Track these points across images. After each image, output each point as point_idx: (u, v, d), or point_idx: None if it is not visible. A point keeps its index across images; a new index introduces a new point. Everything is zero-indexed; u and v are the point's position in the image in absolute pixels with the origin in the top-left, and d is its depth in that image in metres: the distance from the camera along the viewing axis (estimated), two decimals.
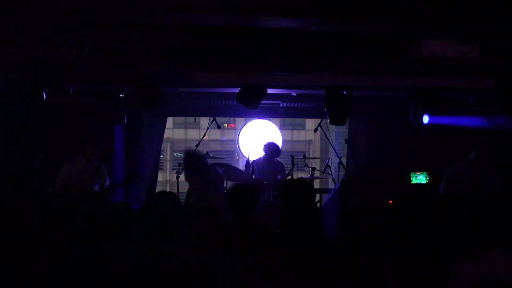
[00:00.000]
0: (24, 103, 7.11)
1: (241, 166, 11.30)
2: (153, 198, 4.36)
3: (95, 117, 9.67)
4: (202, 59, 6.18)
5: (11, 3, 3.78)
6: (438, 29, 4.40)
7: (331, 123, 8.09)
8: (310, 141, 13.91)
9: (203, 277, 3.72)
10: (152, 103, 7.14)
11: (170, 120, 10.94)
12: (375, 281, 4.06)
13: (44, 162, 8.93)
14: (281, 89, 8.77)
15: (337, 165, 10.49)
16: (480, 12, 4.12)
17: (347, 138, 10.87)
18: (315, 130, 10.64)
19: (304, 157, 10.12)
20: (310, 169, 9.86)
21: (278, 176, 9.36)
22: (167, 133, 11.42)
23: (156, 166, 10.61)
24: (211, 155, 9.48)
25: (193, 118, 11.49)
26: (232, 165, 10.49)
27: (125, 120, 9.36)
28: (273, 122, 11.44)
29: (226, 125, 11.78)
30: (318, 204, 9.61)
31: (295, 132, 13.45)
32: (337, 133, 11.72)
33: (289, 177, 9.47)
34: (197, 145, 9.55)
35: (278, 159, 9.88)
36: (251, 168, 9.28)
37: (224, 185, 8.89)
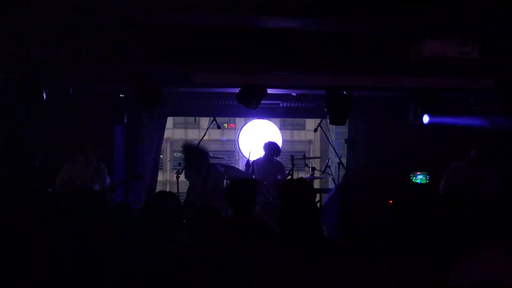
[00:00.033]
0: (24, 103, 7.10)
1: (241, 166, 11.30)
2: (153, 198, 4.36)
3: (95, 117, 9.67)
4: (202, 59, 6.18)
5: (11, 3, 3.78)
6: (438, 29, 4.40)
7: (331, 123, 8.09)
8: (310, 141, 13.91)
9: (203, 277, 3.72)
10: (152, 103, 7.14)
11: (170, 120, 10.94)
12: (375, 281, 4.06)
13: (44, 162, 8.93)
14: (281, 89, 8.77)
15: (337, 165, 10.50)
16: (480, 12, 4.11)
17: (347, 138, 10.87)
18: (315, 130, 10.64)
19: (304, 157, 10.12)
20: (310, 169, 9.86)
21: (278, 176, 9.36)
22: (167, 133, 11.42)
23: (156, 166, 10.61)
24: (211, 155, 9.48)
25: (193, 118, 11.49)
26: (232, 165, 10.50)
27: (125, 120, 9.36)
28: (273, 122, 11.44)
29: (226, 125, 11.78)
30: (318, 204, 9.60)
31: (295, 132, 13.45)
32: (337, 133, 11.71)
33: (289, 177, 9.48)
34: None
35: (278, 159, 9.88)
36: (251, 168, 9.28)
37: (224, 185, 8.88)
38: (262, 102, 7.91)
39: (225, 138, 14.14)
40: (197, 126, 12.64)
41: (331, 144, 10.87)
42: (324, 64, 6.32)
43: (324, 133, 10.57)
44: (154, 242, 4.11)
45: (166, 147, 11.78)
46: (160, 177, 11.07)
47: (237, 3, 3.90)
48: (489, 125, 10.15)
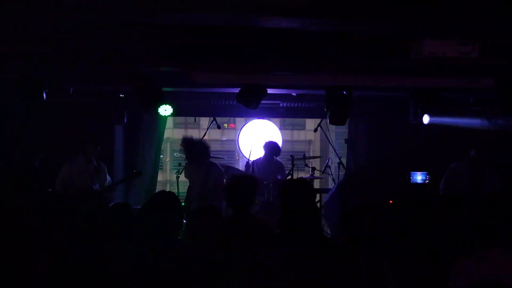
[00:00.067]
0: (24, 103, 7.10)
1: (241, 166, 11.30)
2: (153, 198, 4.35)
3: (95, 117, 9.68)
4: (202, 59, 6.18)
5: (11, 3, 3.78)
6: (438, 29, 4.40)
7: (331, 123, 8.09)
8: (310, 141, 13.90)
9: (203, 277, 3.72)
10: (152, 103, 7.13)
11: (170, 120, 10.93)
12: (375, 281, 4.06)
13: (44, 162, 8.93)
14: (281, 89, 8.77)
15: (337, 165, 10.49)
16: (480, 12, 4.11)
17: (347, 138, 10.87)
18: (315, 130, 10.63)
19: (304, 156, 10.12)
20: (310, 169, 9.86)
21: (278, 176, 9.36)
22: (167, 133, 11.41)
23: (156, 166, 10.61)
24: (211, 155, 9.48)
25: (193, 118, 11.49)
26: (232, 165, 10.49)
27: (125, 120, 9.36)
28: (273, 122, 11.44)
29: (226, 125, 11.77)
30: (318, 204, 9.60)
31: (295, 132, 13.44)
32: (337, 133, 11.71)
33: (289, 177, 9.47)
34: None
35: (277, 159, 9.88)
36: (251, 168, 9.28)
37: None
38: (262, 102, 7.91)
39: (224, 138, 14.14)
40: (197, 126, 12.64)
41: (331, 144, 10.86)
42: (324, 64, 6.32)
43: (324, 133, 10.56)
44: (154, 242, 4.11)
45: (166, 147, 11.77)
46: (160, 177, 11.07)
47: (237, 3, 3.90)
48: (489, 125, 10.15)
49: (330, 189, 9.62)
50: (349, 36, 5.32)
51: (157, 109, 8.66)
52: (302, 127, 13.19)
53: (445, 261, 4.38)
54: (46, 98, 7.12)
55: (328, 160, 10.52)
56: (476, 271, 3.97)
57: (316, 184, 10.46)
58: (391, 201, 7.35)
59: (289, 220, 3.97)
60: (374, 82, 7.43)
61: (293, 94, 9.67)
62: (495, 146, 9.31)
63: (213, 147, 9.50)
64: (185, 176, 9.06)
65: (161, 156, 10.97)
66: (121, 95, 9.03)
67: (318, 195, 10.18)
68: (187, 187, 9.21)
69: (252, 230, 4.69)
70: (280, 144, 10.22)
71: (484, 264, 4.05)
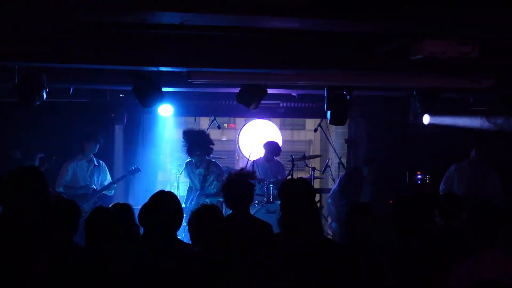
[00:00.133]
0: (24, 103, 7.10)
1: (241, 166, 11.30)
2: (153, 198, 4.35)
3: (95, 117, 9.68)
4: (202, 59, 6.18)
5: (11, 3, 3.78)
6: (438, 29, 4.40)
7: (331, 123, 8.08)
8: (310, 141, 13.91)
9: (203, 277, 3.71)
10: (152, 103, 7.13)
11: (170, 120, 10.93)
12: (375, 281, 4.06)
13: (44, 162, 8.93)
14: (281, 89, 8.77)
15: (337, 165, 10.50)
16: (481, 12, 4.11)
17: (347, 138, 10.88)
18: (315, 130, 10.64)
19: (304, 156, 10.13)
20: (310, 169, 9.87)
21: (278, 176, 9.37)
22: (167, 133, 11.41)
23: (156, 166, 10.61)
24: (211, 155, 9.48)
25: (193, 118, 11.49)
26: (231, 166, 10.50)
27: (125, 120, 9.36)
28: (273, 122, 11.44)
29: (226, 125, 11.77)
30: (318, 204, 9.61)
31: (295, 132, 13.45)
32: (337, 133, 11.71)
33: (289, 177, 9.48)
34: None
35: (278, 159, 9.89)
36: (251, 169, 9.28)
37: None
38: (262, 102, 7.91)
39: (224, 138, 14.14)
40: (197, 126, 12.61)
41: (331, 144, 10.87)
42: (324, 64, 6.32)
43: (324, 133, 10.57)
44: (154, 242, 4.11)
45: (166, 147, 11.77)
46: (160, 177, 11.07)
47: (237, 3, 3.89)
48: (489, 125, 10.15)
49: (330, 189, 9.63)
50: (349, 35, 5.32)
51: (157, 109, 8.65)
52: (302, 127, 13.21)
53: (445, 261, 4.38)
54: (46, 98, 7.12)
55: (328, 160, 10.53)
56: (476, 271, 3.97)
57: (316, 184, 10.46)
58: (391, 201, 7.35)
59: (289, 220, 3.97)
60: (374, 82, 7.43)
61: (293, 94, 9.67)
62: (495, 146, 9.30)
63: (213, 147, 9.50)
64: (185, 175, 9.05)
65: (161, 156, 10.96)
66: (121, 95, 9.03)
67: (318, 195, 10.19)
68: (187, 187, 9.23)
69: (252, 230, 4.69)
70: (280, 144, 10.23)
71: (484, 264, 4.05)
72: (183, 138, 8.65)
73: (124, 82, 7.32)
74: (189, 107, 10.23)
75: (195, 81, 6.96)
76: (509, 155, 9.63)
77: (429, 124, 9.77)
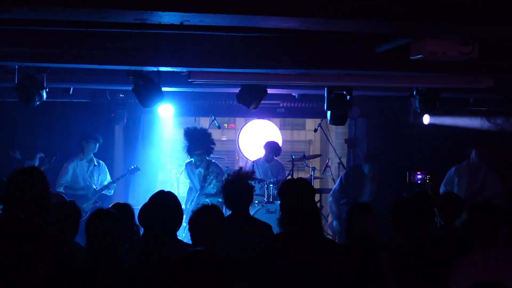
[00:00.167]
0: (24, 103, 7.10)
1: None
2: (153, 198, 4.35)
3: (95, 117, 9.68)
4: (202, 59, 6.18)
5: (11, 3, 3.77)
6: (438, 29, 4.40)
7: (331, 123, 8.08)
8: (310, 141, 13.91)
9: (203, 277, 3.71)
10: (152, 103, 7.13)
11: (170, 120, 10.93)
12: (375, 281, 4.06)
13: (44, 162, 8.94)
14: (281, 89, 8.76)
15: (337, 165, 10.49)
16: (481, 11, 4.11)
17: (347, 138, 10.87)
18: (315, 130, 10.64)
19: (304, 157, 10.13)
20: (310, 169, 9.87)
21: (278, 177, 9.37)
22: (167, 133, 11.41)
23: (156, 166, 10.61)
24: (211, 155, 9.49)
25: (193, 118, 11.49)
26: (231, 166, 10.50)
27: (125, 120, 9.36)
28: (273, 122, 11.44)
29: (226, 125, 11.76)
30: (318, 204, 9.60)
31: (295, 132, 13.44)
32: (337, 133, 11.72)
33: (289, 177, 9.48)
34: None
35: (277, 159, 9.89)
36: (251, 169, 9.28)
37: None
38: (262, 102, 7.90)
39: (224, 138, 14.13)
40: (197, 126, 12.62)
41: (331, 144, 10.87)
42: (324, 64, 6.32)
43: (324, 133, 10.57)
44: (154, 242, 4.11)
45: (166, 147, 11.77)
46: (160, 177, 11.07)
47: (237, 3, 3.90)
48: (489, 125, 10.15)
49: (330, 189, 9.63)
50: (349, 35, 5.31)
51: (157, 109, 8.65)
52: (302, 127, 13.20)
53: (445, 261, 4.38)
54: (46, 98, 7.12)
55: (328, 160, 10.53)
56: (476, 271, 3.97)
57: (316, 184, 10.47)
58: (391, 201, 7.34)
59: (289, 220, 3.97)
60: (374, 82, 7.43)
61: (293, 94, 9.66)
62: (495, 146, 9.30)
63: (214, 147, 9.50)
64: (185, 177, 9.07)
65: (161, 156, 10.96)
66: (121, 95, 9.02)
67: (318, 195, 10.18)
68: (186, 188, 9.23)
69: (252, 230, 4.69)
70: (280, 144, 10.23)
71: (484, 264, 4.05)
72: (185, 136, 8.66)
73: (124, 82, 7.32)
74: (189, 107, 10.22)
75: (195, 81, 6.96)
76: (509, 155, 9.63)
77: (429, 124, 9.77)
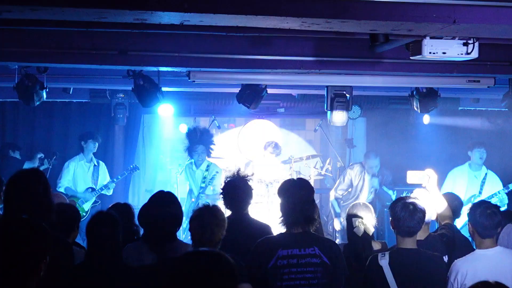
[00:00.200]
0: (24, 103, 7.10)
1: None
2: (153, 198, 4.35)
3: (95, 117, 9.68)
4: (202, 58, 6.18)
5: (10, 3, 3.77)
6: (438, 29, 4.39)
7: (331, 123, 8.08)
8: (310, 141, 13.88)
9: (203, 277, 3.71)
10: (152, 103, 7.13)
11: (170, 120, 10.92)
12: (375, 281, 4.06)
13: (44, 162, 8.94)
14: (281, 89, 8.76)
15: (337, 165, 10.49)
16: (479, 11, 4.11)
17: (347, 138, 10.87)
18: (315, 130, 10.63)
19: (304, 157, 10.13)
20: (310, 169, 9.86)
21: (279, 176, 9.37)
22: (167, 133, 11.41)
23: (156, 166, 10.61)
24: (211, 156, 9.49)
25: (193, 118, 11.49)
26: (231, 166, 10.49)
27: (125, 120, 9.37)
28: (273, 122, 11.42)
29: (226, 125, 11.74)
30: (318, 204, 9.59)
31: (295, 132, 13.41)
32: (337, 133, 11.70)
33: (289, 177, 9.47)
34: None
35: (278, 159, 9.88)
36: (251, 169, 9.29)
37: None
38: (262, 102, 7.90)
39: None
40: (197, 126, 12.62)
41: (331, 144, 10.86)
42: (324, 64, 6.32)
43: (324, 133, 10.57)
44: (154, 243, 4.11)
45: (166, 147, 11.77)
46: (160, 177, 11.07)
47: (237, 3, 3.89)
48: (489, 125, 10.15)
49: (330, 189, 9.63)
50: (349, 35, 5.31)
51: (157, 109, 8.65)
52: (302, 127, 13.17)
53: (445, 261, 4.38)
54: (46, 98, 7.12)
55: (328, 160, 10.52)
56: (475, 271, 3.98)
57: (316, 184, 10.46)
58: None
59: (289, 219, 3.97)
60: (374, 82, 7.43)
61: (293, 94, 9.66)
62: (495, 146, 9.31)
63: (214, 147, 9.51)
64: (185, 178, 9.09)
65: (161, 156, 10.96)
66: (121, 95, 9.02)
67: (318, 195, 10.17)
68: (186, 188, 9.23)
69: (252, 230, 4.68)
70: (280, 144, 10.22)
71: (483, 264, 4.06)
72: (186, 136, 8.70)
73: (124, 82, 7.32)
74: (189, 107, 10.23)
75: (195, 81, 6.96)
76: (509, 155, 9.63)
77: (429, 124, 9.77)
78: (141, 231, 4.50)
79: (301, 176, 8.90)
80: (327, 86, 7.56)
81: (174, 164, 10.20)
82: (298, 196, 3.96)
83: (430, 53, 4.74)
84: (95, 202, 8.76)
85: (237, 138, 11.46)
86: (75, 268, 3.73)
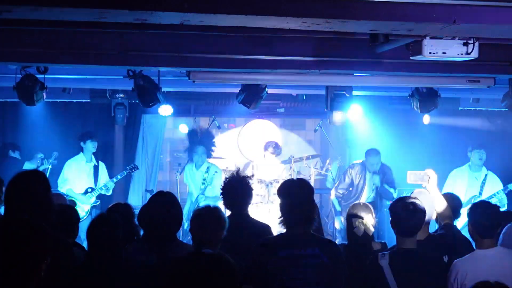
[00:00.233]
0: (24, 103, 7.10)
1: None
2: (153, 198, 4.35)
3: (95, 117, 9.68)
4: (202, 58, 6.17)
5: (10, 3, 3.78)
6: (438, 29, 4.39)
7: (331, 123, 8.08)
8: (310, 141, 13.88)
9: (203, 277, 3.71)
10: (152, 103, 7.13)
11: (170, 120, 10.92)
12: (375, 281, 4.06)
13: (43, 162, 8.93)
14: (281, 89, 8.76)
15: (337, 165, 10.48)
16: (479, 11, 4.11)
17: (347, 138, 10.87)
18: (315, 130, 10.63)
19: (304, 157, 10.13)
20: (310, 169, 9.86)
21: (279, 176, 9.38)
22: (167, 133, 11.41)
23: (156, 166, 10.61)
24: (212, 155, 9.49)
25: (193, 118, 11.49)
26: (231, 166, 10.50)
27: (125, 120, 9.36)
28: (273, 122, 11.42)
29: (226, 125, 11.75)
30: (318, 204, 9.59)
31: (295, 132, 13.41)
32: (337, 133, 11.70)
33: (289, 177, 9.47)
34: None
35: (278, 159, 9.88)
36: (251, 169, 9.30)
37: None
38: (262, 102, 7.90)
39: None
40: (197, 126, 12.62)
41: (331, 144, 10.86)
42: (324, 64, 6.32)
43: (324, 133, 10.56)
44: (154, 243, 4.10)
45: (166, 147, 11.76)
46: (160, 177, 11.07)
47: (237, 3, 3.90)
48: (489, 125, 10.15)
49: (330, 189, 9.63)
50: (349, 35, 5.31)
51: (157, 109, 8.66)
52: (302, 127, 13.17)
53: (445, 261, 4.38)
54: (46, 98, 7.12)
55: (328, 160, 10.52)
56: (475, 271, 3.97)
57: (316, 184, 10.46)
58: (390, 201, 7.34)
59: (289, 220, 3.97)
60: (374, 82, 7.43)
61: (293, 94, 9.66)
62: (495, 146, 9.30)
63: (215, 149, 9.53)
64: (185, 180, 9.10)
65: (161, 156, 10.96)
66: (121, 95, 9.02)
67: (318, 195, 10.17)
68: (187, 189, 9.24)
69: (250, 230, 4.68)
70: (280, 144, 10.22)
71: (484, 264, 4.05)
72: (187, 136, 8.71)
73: (124, 82, 7.32)
74: (189, 107, 10.22)
75: (195, 81, 6.96)
76: (509, 155, 9.63)
77: (429, 124, 9.77)
78: (141, 231, 4.49)
79: (301, 176, 8.92)
80: (327, 86, 7.56)
81: (174, 164, 10.21)
82: (298, 196, 3.96)
83: (430, 53, 4.75)
84: (95, 202, 8.76)
85: (237, 138, 11.45)
86: (75, 269, 3.73)
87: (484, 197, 8.20)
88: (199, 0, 3.86)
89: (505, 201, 8.35)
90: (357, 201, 6.51)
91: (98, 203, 8.76)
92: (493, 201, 7.86)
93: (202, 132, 8.79)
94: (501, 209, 5.11)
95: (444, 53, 4.73)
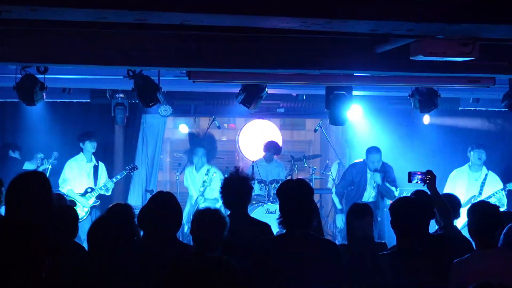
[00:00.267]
0: (24, 103, 7.10)
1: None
2: (153, 198, 4.35)
3: (95, 117, 9.68)
4: (202, 58, 6.17)
5: (10, 3, 3.78)
6: (438, 29, 4.39)
7: (331, 123, 8.09)
8: (310, 141, 13.89)
9: (203, 277, 3.71)
10: (152, 103, 7.13)
11: (170, 120, 10.92)
12: (375, 281, 4.07)
13: (43, 162, 8.94)
14: (281, 89, 8.76)
15: (337, 165, 10.49)
16: (480, 11, 4.11)
17: (347, 138, 10.87)
18: (315, 130, 10.63)
19: (304, 157, 10.13)
20: (310, 169, 9.86)
21: (278, 176, 9.38)
22: (167, 133, 11.40)
23: (156, 166, 10.61)
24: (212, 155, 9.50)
25: (193, 118, 11.50)
26: (231, 166, 10.51)
27: (125, 120, 9.37)
28: (273, 122, 11.43)
29: (226, 125, 11.75)
30: (318, 204, 9.60)
31: (295, 132, 13.41)
32: (337, 133, 11.71)
33: (289, 177, 9.48)
34: None
35: (277, 159, 9.89)
36: (251, 169, 9.30)
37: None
38: (262, 102, 7.90)
39: (224, 138, 14.14)
40: (197, 126, 12.63)
41: (331, 144, 10.86)
42: (324, 64, 6.32)
43: (324, 133, 10.56)
44: (154, 243, 4.11)
45: (166, 147, 11.76)
46: (160, 177, 11.07)
47: (237, 3, 3.89)
48: (489, 125, 10.15)
49: (330, 189, 9.64)
50: (349, 35, 5.31)
51: (157, 109, 8.66)
52: (302, 127, 13.18)
53: (445, 262, 4.38)
54: (46, 98, 7.12)
55: (328, 160, 10.53)
56: (475, 271, 3.98)
57: (316, 184, 10.47)
58: (391, 201, 7.34)
59: (288, 220, 3.97)
60: (374, 82, 7.42)
61: (293, 94, 9.66)
62: (495, 146, 9.31)
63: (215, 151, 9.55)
64: (185, 183, 9.12)
65: (161, 156, 10.95)
66: (121, 95, 9.03)
67: (318, 195, 10.18)
68: (187, 189, 9.24)
69: (250, 230, 4.69)
70: (280, 144, 10.23)
71: (484, 264, 4.06)
72: (189, 139, 8.74)
73: (124, 82, 7.32)
74: (189, 107, 10.22)
75: (195, 81, 6.96)
76: (509, 155, 9.63)
77: (429, 124, 9.77)
78: (141, 232, 4.49)
79: (301, 176, 8.93)
80: (327, 86, 7.56)
81: (174, 164, 10.21)
82: (297, 197, 3.96)
83: (430, 53, 4.75)
84: (94, 202, 8.76)
85: (237, 138, 11.46)
86: (75, 269, 3.73)
87: (484, 197, 8.21)
88: (199, 0, 3.86)
89: (504, 200, 8.35)
90: (357, 202, 6.53)
91: (98, 203, 8.76)
92: (492, 200, 7.87)
93: (204, 134, 8.80)
94: (501, 209, 5.11)
95: (444, 53, 4.73)
